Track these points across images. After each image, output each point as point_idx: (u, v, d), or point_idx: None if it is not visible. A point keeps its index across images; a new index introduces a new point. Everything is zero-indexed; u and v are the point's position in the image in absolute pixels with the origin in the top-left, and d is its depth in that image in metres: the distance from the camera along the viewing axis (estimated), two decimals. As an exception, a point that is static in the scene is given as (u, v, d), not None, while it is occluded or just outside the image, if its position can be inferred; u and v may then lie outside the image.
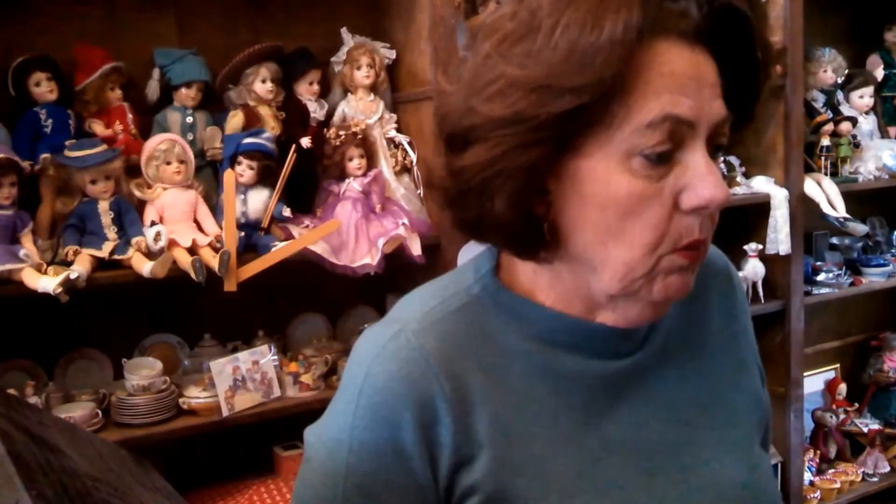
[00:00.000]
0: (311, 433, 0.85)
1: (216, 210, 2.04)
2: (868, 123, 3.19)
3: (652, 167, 0.74)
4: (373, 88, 2.27)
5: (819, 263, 3.17)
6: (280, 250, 1.98)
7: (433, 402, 0.79)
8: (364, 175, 2.19)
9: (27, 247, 1.79)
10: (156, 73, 2.10)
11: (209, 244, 1.96)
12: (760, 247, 2.82)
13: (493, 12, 0.79)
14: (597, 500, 0.81)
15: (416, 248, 2.14)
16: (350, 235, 2.10)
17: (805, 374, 3.13)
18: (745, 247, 2.83)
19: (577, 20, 0.71)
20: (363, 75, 2.24)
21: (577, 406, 0.83)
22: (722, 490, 0.86)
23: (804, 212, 2.89)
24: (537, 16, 0.73)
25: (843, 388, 3.37)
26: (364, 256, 2.09)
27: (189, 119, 2.11)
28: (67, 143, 1.90)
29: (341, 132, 2.18)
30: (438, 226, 2.20)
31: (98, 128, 2.00)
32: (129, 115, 2.05)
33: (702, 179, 0.74)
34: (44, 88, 1.94)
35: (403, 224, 2.13)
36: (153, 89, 2.11)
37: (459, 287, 0.87)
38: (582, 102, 0.71)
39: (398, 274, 2.17)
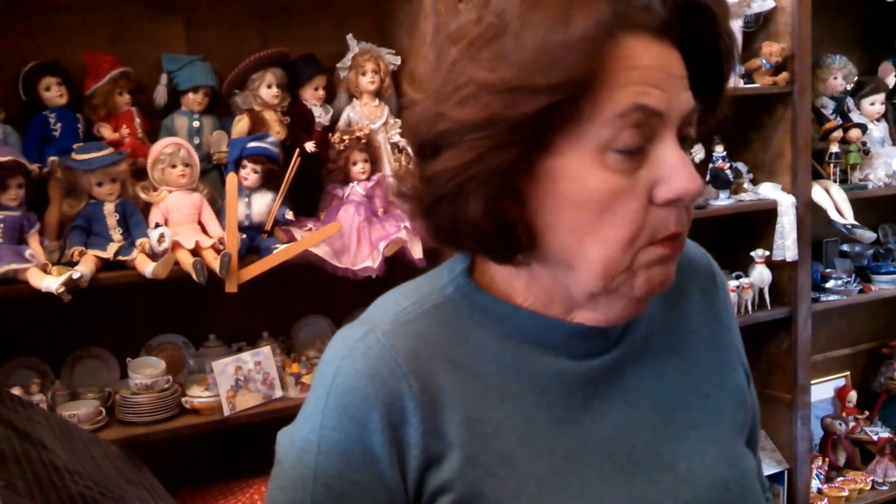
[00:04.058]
0: (284, 434, 0.85)
1: (221, 213, 2.08)
2: (879, 130, 3.17)
3: (625, 161, 0.74)
4: (378, 94, 2.30)
5: (828, 270, 3.15)
6: (281, 252, 2.01)
7: (401, 401, 0.79)
8: (368, 179, 2.22)
9: (33, 247, 1.83)
10: (163, 78, 2.14)
11: (212, 246, 1.99)
12: (767, 253, 2.82)
13: (457, 19, 0.80)
14: (572, 500, 0.81)
15: (417, 252, 2.16)
16: (352, 238, 2.13)
17: (815, 381, 3.12)
18: (752, 253, 2.83)
19: (546, 18, 0.71)
20: (368, 81, 2.26)
21: (553, 405, 0.83)
22: (701, 488, 0.85)
23: (813, 219, 2.88)
24: (504, 18, 0.73)
25: (853, 395, 3.35)
26: (365, 259, 2.12)
27: (196, 123, 2.15)
28: (75, 146, 1.95)
29: (345, 137, 2.20)
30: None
31: (106, 132, 2.04)
32: (137, 120, 2.09)
33: (675, 171, 0.75)
34: (53, 93, 1.98)
35: (405, 227, 2.15)
36: (161, 94, 2.15)
37: (433, 288, 0.87)
38: (554, 101, 0.71)
39: (401, 277, 2.19)
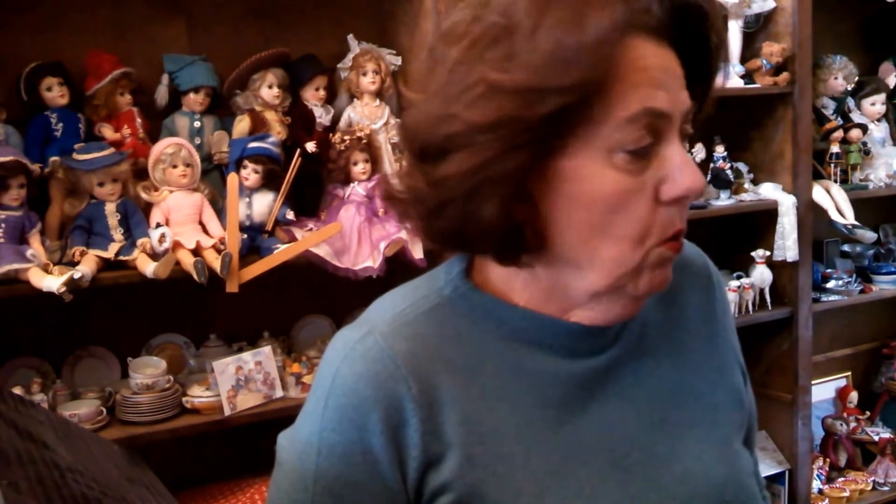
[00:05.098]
0: (284, 436, 0.86)
1: (222, 213, 2.08)
2: (880, 131, 3.17)
3: (634, 161, 0.75)
4: (378, 94, 2.30)
5: (829, 271, 3.15)
6: (282, 252, 2.01)
7: (400, 403, 0.80)
8: (368, 179, 2.22)
9: (34, 247, 1.84)
10: (165, 78, 2.14)
11: (213, 246, 2.00)
12: (768, 253, 2.82)
13: (449, 18, 0.79)
14: (569, 499, 0.81)
15: (417, 252, 2.16)
16: (352, 238, 2.13)
17: (815, 381, 3.12)
18: (753, 253, 2.83)
19: (560, 19, 0.71)
20: (369, 81, 2.27)
21: (551, 405, 0.84)
22: (698, 487, 0.86)
23: (814, 219, 2.88)
24: (512, 18, 0.73)
25: (854, 396, 3.35)
26: (366, 259, 2.12)
27: (197, 124, 2.15)
28: (76, 146, 1.95)
29: (346, 137, 2.21)
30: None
31: (107, 132, 2.05)
32: (138, 120, 2.09)
33: (681, 170, 0.76)
34: (55, 93, 1.99)
35: (405, 227, 2.15)
36: (162, 94, 2.15)
37: (430, 289, 0.88)
38: (567, 103, 0.71)
39: (401, 277, 2.19)
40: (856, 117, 3.12)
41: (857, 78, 3.08)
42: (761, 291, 2.84)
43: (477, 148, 0.74)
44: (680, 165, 0.76)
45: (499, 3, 0.74)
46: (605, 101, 0.73)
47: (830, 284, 3.07)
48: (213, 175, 2.18)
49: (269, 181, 2.12)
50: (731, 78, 2.73)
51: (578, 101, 0.72)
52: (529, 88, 0.71)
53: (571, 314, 0.85)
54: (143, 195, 2.03)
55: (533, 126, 0.72)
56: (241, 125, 2.17)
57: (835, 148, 2.97)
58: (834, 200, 2.93)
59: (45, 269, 1.81)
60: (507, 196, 0.76)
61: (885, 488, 3.17)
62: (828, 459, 3.19)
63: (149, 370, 2.01)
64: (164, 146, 2.03)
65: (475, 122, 0.73)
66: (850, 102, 3.14)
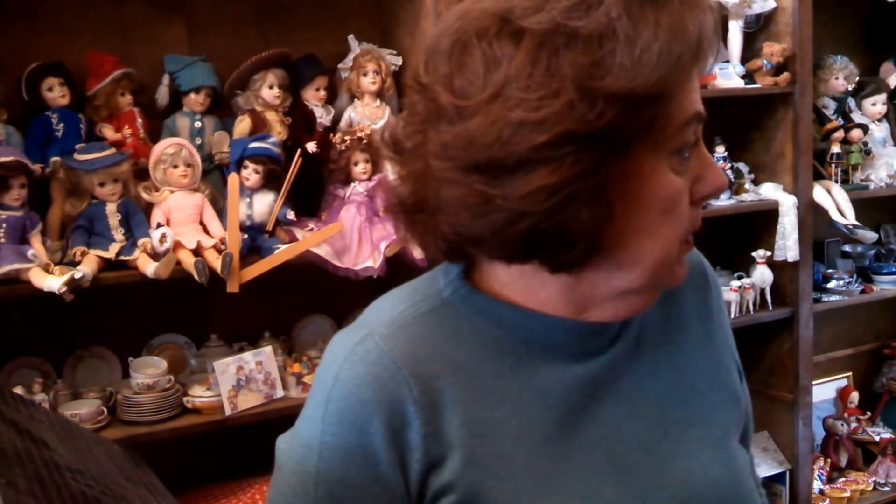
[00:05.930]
0: (283, 440, 0.85)
1: (222, 213, 2.09)
2: (881, 131, 3.17)
3: (682, 163, 0.77)
4: (379, 94, 2.30)
5: (830, 271, 3.15)
6: (282, 252, 2.02)
7: (402, 405, 0.79)
8: (369, 179, 2.23)
9: (35, 247, 1.84)
10: (165, 78, 2.15)
11: (214, 246, 2.00)
12: (769, 253, 2.82)
13: (469, 14, 0.74)
14: (569, 499, 0.81)
15: (418, 252, 2.16)
16: (353, 238, 2.14)
17: (816, 381, 3.12)
18: (754, 253, 2.83)
19: (664, 25, 0.69)
20: (369, 81, 2.27)
21: (552, 405, 0.83)
22: (696, 486, 0.86)
23: (815, 219, 2.88)
24: (598, 19, 0.69)
25: (854, 396, 3.34)
26: (366, 259, 2.13)
27: (197, 124, 2.15)
28: (77, 146, 1.96)
29: (347, 137, 2.21)
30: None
31: (108, 132, 2.05)
32: (139, 120, 2.10)
33: (711, 169, 0.79)
34: (56, 94, 1.99)
35: (408, 236, 2.15)
36: (163, 95, 2.16)
37: (429, 291, 0.87)
38: (664, 108, 0.71)
39: (402, 277, 2.19)
40: (856, 117, 3.12)
41: (857, 78, 3.07)
42: (762, 291, 2.84)
43: (570, 158, 0.69)
44: (711, 165, 0.79)
45: (561, 2, 0.71)
46: (671, 104, 0.73)
47: (831, 285, 3.07)
48: (213, 175, 2.19)
49: (270, 181, 2.12)
50: (732, 78, 2.73)
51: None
52: (633, 95, 0.68)
53: (586, 315, 0.84)
54: (144, 195, 2.03)
55: (632, 133, 0.70)
56: (242, 125, 2.17)
57: (835, 148, 2.97)
58: (835, 200, 2.93)
59: (46, 269, 1.81)
60: (599, 205, 0.72)
61: (886, 489, 3.16)
62: (829, 460, 3.18)
63: (150, 370, 2.01)
64: (164, 146, 2.04)
65: (568, 132, 0.69)
66: (851, 102, 3.14)
